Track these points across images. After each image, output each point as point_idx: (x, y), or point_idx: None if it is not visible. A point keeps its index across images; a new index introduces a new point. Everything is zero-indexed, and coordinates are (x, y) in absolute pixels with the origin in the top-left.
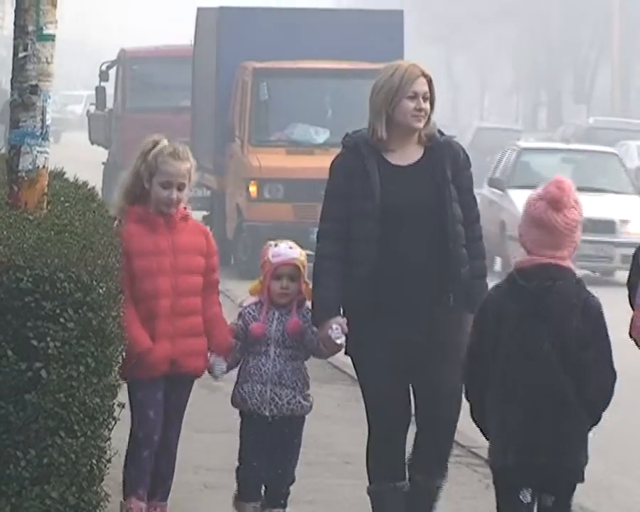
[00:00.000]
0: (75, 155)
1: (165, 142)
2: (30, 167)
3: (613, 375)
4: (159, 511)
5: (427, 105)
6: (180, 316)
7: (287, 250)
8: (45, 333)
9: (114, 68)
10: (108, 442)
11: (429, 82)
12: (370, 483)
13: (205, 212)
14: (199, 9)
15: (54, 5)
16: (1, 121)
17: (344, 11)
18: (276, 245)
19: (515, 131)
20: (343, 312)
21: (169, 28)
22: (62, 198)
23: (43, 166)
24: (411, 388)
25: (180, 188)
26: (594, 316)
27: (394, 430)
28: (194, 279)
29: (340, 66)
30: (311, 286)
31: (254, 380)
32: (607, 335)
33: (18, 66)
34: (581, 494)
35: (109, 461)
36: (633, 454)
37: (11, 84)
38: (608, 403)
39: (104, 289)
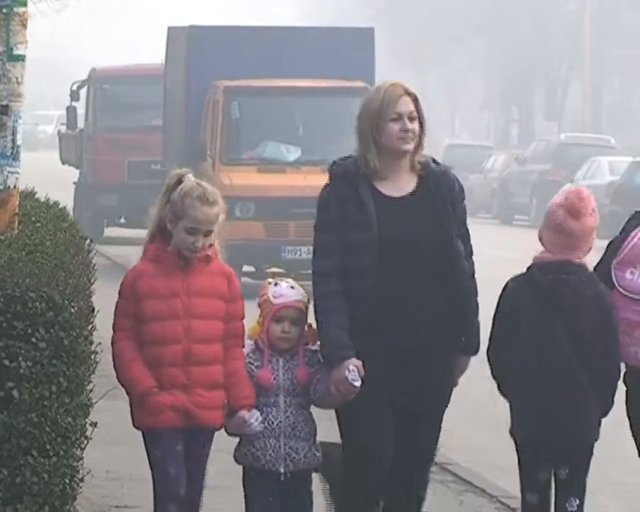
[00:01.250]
0: (45, 175)
1: (191, 180)
2: (1, 187)
3: (618, 362)
4: None
5: (414, 125)
6: (196, 365)
7: (289, 291)
8: (17, 353)
9: (85, 88)
10: (80, 461)
11: (415, 100)
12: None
13: None
14: (169, 28)
15: (24, 25)
16: None
17: (315, 28)
18: (276, 284)
19: (486, 147)
20: None
21: (141, 46)
22: (33, 218)
23: (14, 186)
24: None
25: (207, 234)
26: (605, 309)
27: (372, 473)
28: (212, 325)
29: (312, 84)
30: (314, 326)
31: (265, 434)
32: (616, 326)
33: None
34: None
35: (81, 480)
36: None
37: None
38: (615, 386)
39: (75, 308)
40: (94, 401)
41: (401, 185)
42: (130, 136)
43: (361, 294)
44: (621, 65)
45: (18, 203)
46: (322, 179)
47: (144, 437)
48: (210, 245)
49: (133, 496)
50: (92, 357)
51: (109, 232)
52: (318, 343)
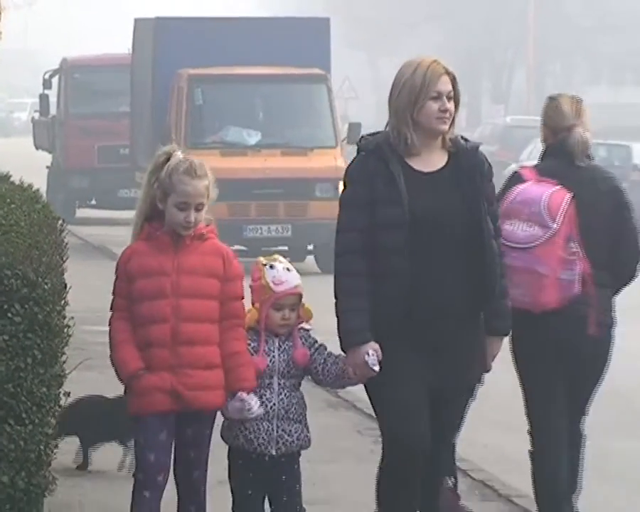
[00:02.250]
0: (19, 159)
1: (179, 156)
2: None
3: None
4: None
5: (451, 105)
6: (184, 345)
7: (288, 275)
8: None
9: (57, 77)
10: (55, 429)
11: (453, 80)
12: (378, 506)
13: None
14: (136, 20)
15: None
16: None
17: (274, 18)
18: (271, 266)
19: None
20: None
21: (111, 36)
22: (8, 200)
23: None
24: None
25: (199, 208)
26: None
27: (412, 446)
28: (202, 304)
29: (271, 71)
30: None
31: (258, 417)
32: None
33: None
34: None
35: (56, 446)
36: None
37: None
38: None
39: (49, 285)
40: (67, 372)
41: (432, 161)
42: (100, 123)
43: (391, 271)
44: (562, 51)
45: None
46: (281, 161)
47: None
48: (208, 225)
49: (105, 460)
50: (65, 330)
51: (81, 213)
52: (311, 322)
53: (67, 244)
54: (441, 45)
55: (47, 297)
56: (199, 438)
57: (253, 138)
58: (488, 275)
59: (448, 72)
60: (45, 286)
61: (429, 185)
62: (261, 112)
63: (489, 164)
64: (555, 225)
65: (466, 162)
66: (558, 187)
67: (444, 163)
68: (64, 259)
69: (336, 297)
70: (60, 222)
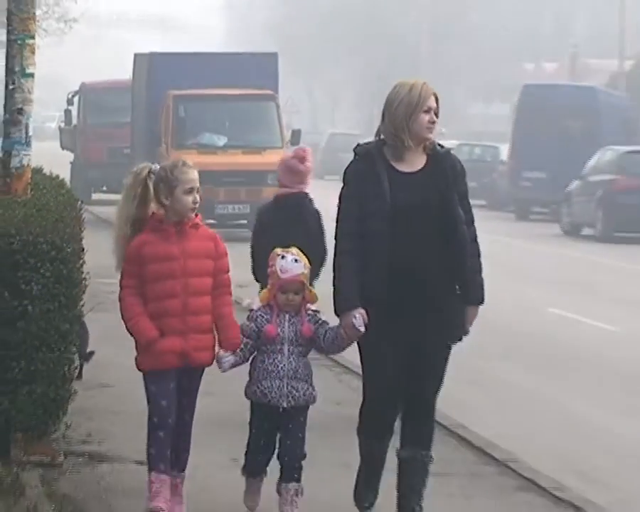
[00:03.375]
0: (49, 157)
1: (161, 164)
2: (18, 165)
3: None
4: (179, 481)
5: (436, 118)
6: (192, 315)
7: (293, 265)
8: (30, 280)
9: (77, 96)
10: (75, 354)
11: (436, 98)
12: (359, 434)
13: None
14: (135, 54)
15: (33, 52)
16: None
17: (237, 53)
18: (283, 257)
19: (355, 135)
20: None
21: (116, 66)
22: (41, 186)
23: (27, 164)
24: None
25: (198, 191)
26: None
27: (389, 394)
28: (204, 281)
29: (234, 92)
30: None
31: (272, 376)
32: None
33: (9, 95)
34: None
35: (76, 368)
36: None
37: (4, 108)
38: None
39: (70, 249)
40: (84, 313)
41: (413, 163)
42: (109, 130)
43: (377, 252)
44: (451, 70)
45: (30, 175)
46: (242, 158)
47: (144, 377)
48: (196, 215)
49: (113, 378)
50: (83, 282)
51: (95, 196)
52: (316, 304)
53: (84, 219)
54: (361, 71)
55: (69, 258)
56: (191, 389)
57: (221, 141)
58: (458, 255)
59: (434, 93)
60: (68, 250)
61: (410, 182)
62: (227, 121)
63: (461, 164)
64: None
65: (441, 163)
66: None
67: (423, 164)
68: (82, 229)
69: (333, 270)
70: (79, 203)
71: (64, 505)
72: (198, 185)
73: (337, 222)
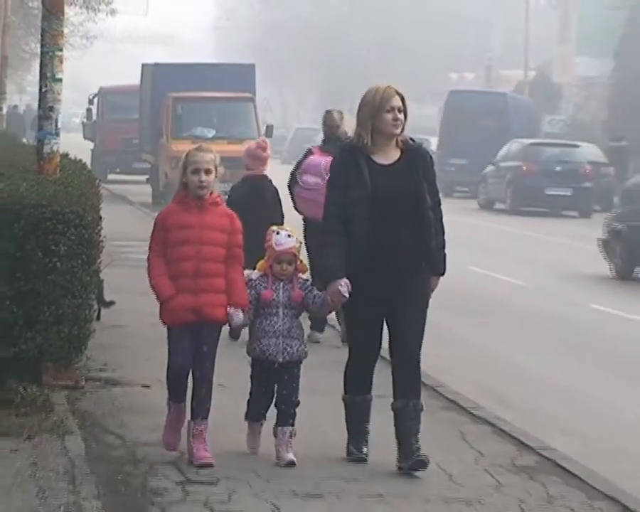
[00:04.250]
0: (74, 145)
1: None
2: (49, 151)
3: None
4: (203, 428)
5: (401, 116)
6: (203, 277)
7: (287, 239)
8: (58, 242)
9: (97, 97)
10: (95, 301)
11: (402, 98)
12: (345, 393)
13: (146, 176)
14: (143, 64)
15: (61, 62)
16: (32, 128)
17: (223, 64)
18: (278, 233)
19: (317, 129)
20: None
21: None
22: (67, 168)
23: (56, 151)
24: (387, 328)
25: (207, 173)
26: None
27: (369, 355)
28: (216, 250)
29: (220, 95)
30: (306, 261)
31: (269, 335)
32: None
33: (42, 96)
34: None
35: (95, 311)
36: None
37: (38, 106)
38: None
39: (90, 217)
40: (101, 268)
41: (389, 156)
42: (121, 124)
43: (359, 232)
44: (393, 77)
45: (58, 159)
46: (227, 147)
47: (167, 332)
48: (219, 196)
49: (124, 320)
50: (100, 244)
51: (110, 177)
52: (308, 272)
53: (101, 194)
54: (320, 79)
55: (90, 224)
56: (211, 339)
57: (210, 133)
58: (425, 234)
59: (398, 93)
60: (89, 218)
61: (386, 173)
62: (215, 118)
63: (431, 156)
64: (328, 177)
65: (413, 156)
66: (330, 157)
67: (397, 157)
68: (100, 202)
69: (321, 246)
70: (98, 181)
71: (85, 420)
72: (206, 167)
73: (325, 206)
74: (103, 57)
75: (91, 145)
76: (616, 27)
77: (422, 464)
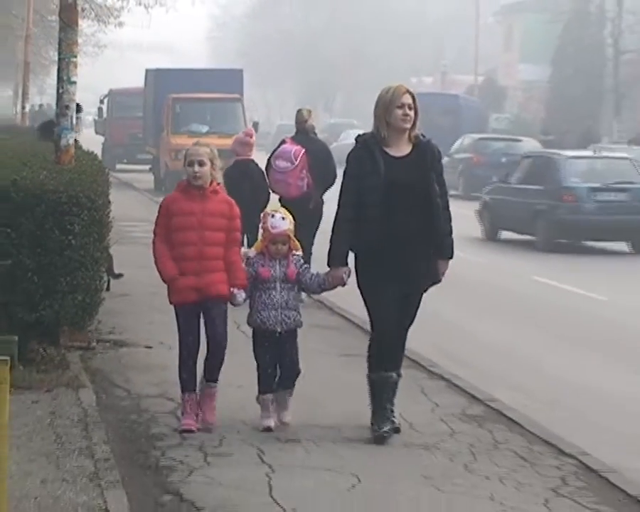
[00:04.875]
0: (87, 139)
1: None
2: (66, 144)
3: None
4: (214, 390)
5: (411, 112)
6: (205, 260)
7: (281, 222)
8: (73, 222)
9: (107, 98)
10: (104, 273)
11: (413, 97)
12: (369, 371)
13: (149, 166)
14: (146, 70)
15: (75, 67)
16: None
17: (215, 69)
18: (273, 216)
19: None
20: (356, 256)
21: (133, 77)
22: (81, 159)
23: (72, 143)
24: None
25: (201, 164)
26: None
27: (389, 334)
28: (217, 235)
29: (213, 96)
30: (297, 240)
31: (268, 307)
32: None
33: (59, 97)
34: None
35: (105, 282)
36: None
37: (56, 105)
38: None
39: (101, 201)
40: (110, 245)
41: (401, 149)
42: (128, 121)
43: (372, 218)
44: (361, 82)
45: (73, 151)
46: (218, 141)
47: (175, 312)
48: (218, 184)
49: (130, 290)
50: (109, 224)
51: (118, 166)
52: (300, 251)
53: (110, 181)
54: (299, 82)
55: (100, 207)
56: (218, 311)
57: (204, 128)
58: (434, 220)
59: (409, 92)
60: (99, 202)
61: (399, 164)
62: (208, 115)
63: (439, 150)
64: (296, 162)
65: (423, 150)
66: (300, 146)
67: (409, 151)
68: (109, 188)
69: (332, 232)
70: (107, 170)
71: (96, 376)
72: (199, 159)
73: (340, 194)
74: (112, 63)
75: (101, 139)
76: (553, 38)
77: (395, 429)
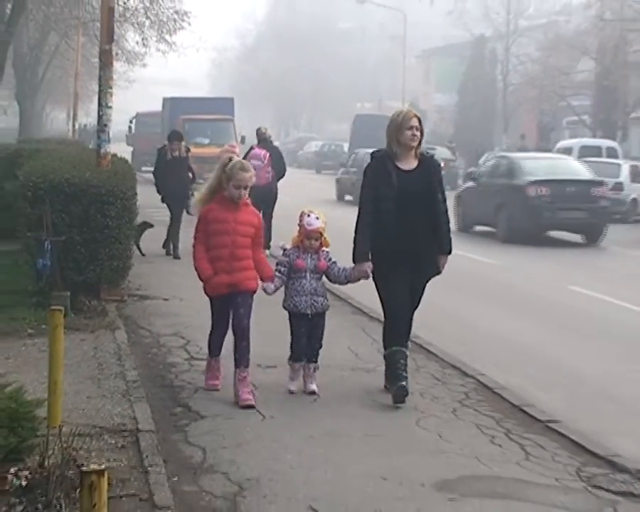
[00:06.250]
0: (120, 149)
1: (236, 159)
2: (104, 152)
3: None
4: (246, 374)
5: (418, 133)
6: (236, 260)
7: (315, 221)
8: (110, 208)
9: (134, 118)
10: (132, 249)
11: (419, 119)
12: (385, 349)
13: None
14: (163, 98)
15: (111, 96)
16: (93, 137)
17: (214, 98)
18: (308, 215)
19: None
20: (372, 255)
21: (154, 103)
22: (116, 163)
23: (109, 152)
24: None
25: (246, 188)
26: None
27: (401, 315)
28: (246, 240)
29: (213, 117)
30: (328, 238)
31: (300, 294)
32: None
33: (99, 118)
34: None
35: (130, 254)
36: None
37: (97, 123)
38: None
39: (130, 193)
40: (137, 226)
41: (410, 163)
42: (150, 135)
43: (387, 221)
44: (324, 105)
45: (110, 158)
46: (216, 150)
47: (210, 300)
48: (247, 198)
49: (153, 258)
50: (136, 210)
51: (143, 168)
52: (329, 248)
53: (137, 179)
54: (275, 107)
55: (130, 198)
56: (245, 303)
57: (206, 141)
58: (438, 224)
59: (416, 116)
60: (129, 194)
61: (408, 176)
62: (209, 131)
63: (439, 164)
64: (265, 161)
65: (427, 164)
66: (265, 150)
67: (416, 165)
68: (135, 184)
69: (355, 232)
70: (135, 171)
71: (127, 321)
72: (246, 184)
73: (360, 202)
74: (138, 93)
75: (131, 149)
76: (458, 75)
77: (405, 394)
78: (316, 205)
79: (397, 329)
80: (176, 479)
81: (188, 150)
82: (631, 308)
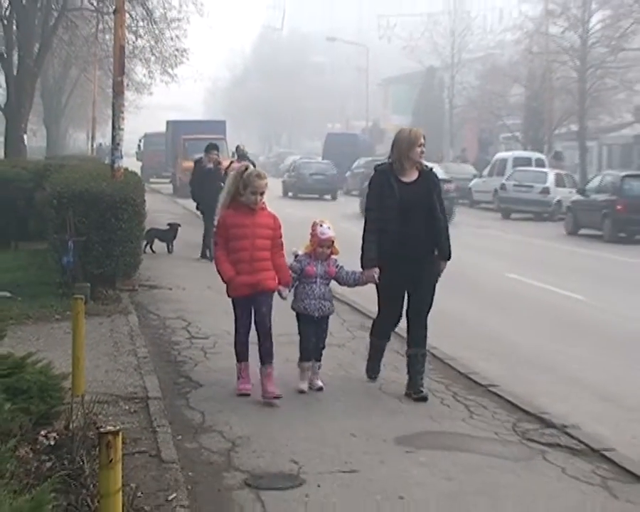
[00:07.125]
0: (131, 164)
1: (252, 167)
2: (117, 166)
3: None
4: (270, 370)
5: (424, 149)
6: (256, 261)
7: (327, 230)
8: (123, 213)
9: (143, 138)
10: (142, 245)
11: (424, 137)
12: (371, 335)
13: (169, 179)
14: (167, 121)
15: (123, 120)
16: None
17: (209, 120)
18: (321, 225)
19: (254, 154)
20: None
21: (159, 125)
22: (127, 176)
23: (121, 166)
24: (407, 296)
25: (262, 194)
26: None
27: (394, 317)
28: (265, 242)
29: (209, 136)
30: (337, 245)
31: (310, 298)
32: None
33: (113, 138)
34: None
35: (144, 252)
36: None
37: (111, 142)
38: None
39: (140, 200)
40: (146, 227)
41: (411, 176)
42: (156, 152)
43: (390, 230)
44: (302, 123)
45: (122, 171)
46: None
47: (232, 302)
48: (263, 202)
49: (161, 254)
50: (145, 214)
51: (151, 180)
52: (338, 255)
53: (145, 189)
54: (261, 124)
55: (140, 204)
56: (266, 302)
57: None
58: (437, 231)
59: (422, 134)
60: (139, 201)
61: (409, 188)
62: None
63: (438, 177)
64: None
65: (427, 176)
66: (248, 163)
67: (416, 177)
68: (144, 193)
69: (363, 239)
70: (144, 182)
71: (138, 306)
72: (262, 190)
73: (366, 212)
74: (146, 117)
75: (140, 164)
76: (412, 99)
77: (423, 398)
78: (269, 201)
79: (383, 329)
80: (179, 438)
81: (219, 163)
82: (557, 291)
